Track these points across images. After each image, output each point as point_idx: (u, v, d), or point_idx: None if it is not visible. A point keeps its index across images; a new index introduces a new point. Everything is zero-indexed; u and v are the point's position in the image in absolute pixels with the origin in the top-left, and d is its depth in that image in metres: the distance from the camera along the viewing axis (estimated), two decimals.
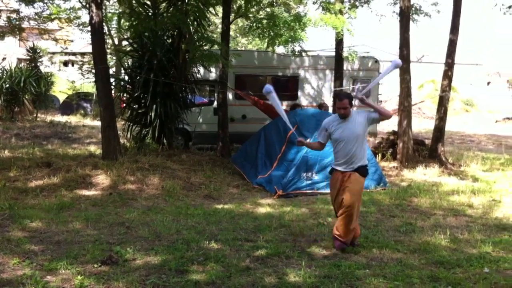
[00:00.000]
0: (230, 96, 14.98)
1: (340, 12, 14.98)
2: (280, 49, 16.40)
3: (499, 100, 43.23)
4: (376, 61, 17.31)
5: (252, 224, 7.48)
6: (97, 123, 16.05)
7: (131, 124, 12.97)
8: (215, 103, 14.60)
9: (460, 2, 13.94)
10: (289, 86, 16.27)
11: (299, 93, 16.21)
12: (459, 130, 25.97)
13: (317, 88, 16.49)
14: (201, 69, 14.02)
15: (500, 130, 26.86)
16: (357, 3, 17.14)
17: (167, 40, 13.13)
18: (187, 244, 6.29)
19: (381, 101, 20.05)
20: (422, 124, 27.79)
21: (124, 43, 21.26)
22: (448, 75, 14.09)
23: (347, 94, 6.53)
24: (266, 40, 14.46)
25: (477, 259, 5.97)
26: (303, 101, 16.14)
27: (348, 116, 6.23)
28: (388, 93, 31.89)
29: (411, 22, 14.68)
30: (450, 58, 14.11)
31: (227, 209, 8.44)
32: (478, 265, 5.75)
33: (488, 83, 43.86)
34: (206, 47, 12.70)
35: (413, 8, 16.25)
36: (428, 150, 14.26)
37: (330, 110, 14.88)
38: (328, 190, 9.79)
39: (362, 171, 6.27)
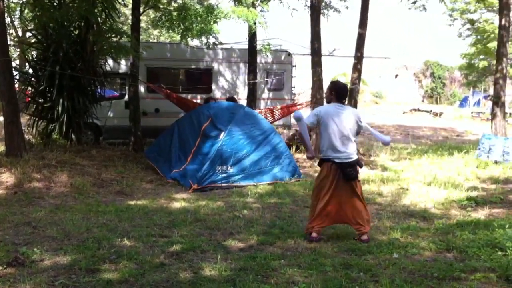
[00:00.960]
0: (142, 89, 14.66)
1: (253, 5, 15.01)
2: (194, 42, 16.25)
3: (406, 92, 45.21)
4: (289, 54, 17.54)
5: (167, 219, 7.32)
6: (0, 118, 15.22)
7: (37, 119, 12.38)
8: (126, 96, 14.23)
9: None
10: (202, 79, 16.17)
11: (213, 86, 16.13)
12: (369, 121, 26.73)
13: (231, 81, 16.48)
14: (111, 62, 13.59)
15: (408, 121, 28.05)
16: None
17: (74, 32, 12.62)
18: (98, 243, 6.05)
19: (294, 93, 20.36)
20: None
21: (28, 34, 20.26)
22: (357, 68, 14.49)
23: (332, 82, 6.82)
24: (178, 33, 14.25)
25: (387, 245, 6.14)
26: (217, 94, 16.08)
27: (328, 102, 6.61)
28: (301, 86, 32.48)
29: (322, 16, 14.99)
30: (359, 52, 14.53)
31: (141, 205, 8.22)
32: (388, 251, 5.91)
33: (396, 76, 45.70)
34: (115, 39, 12.31)
35: (323, 3, 16.57)
36: None
37: (241, 102, 14.90)
38: (243, 183, 9.89)
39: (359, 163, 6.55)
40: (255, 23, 14.40)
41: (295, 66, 17.81)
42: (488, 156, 12.54)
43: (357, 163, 6.41)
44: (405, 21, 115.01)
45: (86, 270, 5.15)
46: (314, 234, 6.31)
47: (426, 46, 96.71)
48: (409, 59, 53.30)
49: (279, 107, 14.83)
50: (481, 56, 36.87)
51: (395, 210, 8.19)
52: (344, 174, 6.23)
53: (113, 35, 12.34)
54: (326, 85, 14.60)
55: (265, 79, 17.13)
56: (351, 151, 6.32)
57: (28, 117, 13.11)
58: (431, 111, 32.95)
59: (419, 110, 34.28)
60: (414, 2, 16.13)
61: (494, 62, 16.83)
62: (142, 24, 25.76)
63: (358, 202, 6.37)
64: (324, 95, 13.28)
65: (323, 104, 13.60)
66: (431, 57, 49.02)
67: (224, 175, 9.87)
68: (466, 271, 5.18)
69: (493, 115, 14.86)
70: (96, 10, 11.84)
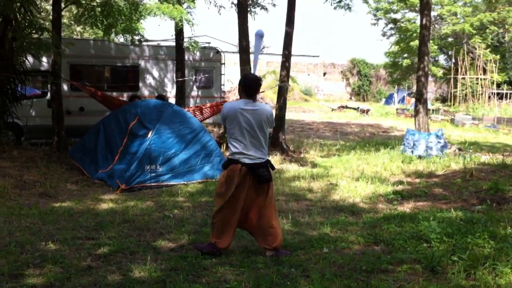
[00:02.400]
0: (65, 87, 14.17)
1: (179, 1, 14.82)
2: (120, 38, 15.87)
3: (334, 90, 46.15)
4: (218, 52, 17.49)
5: (94, 221, 7.10)
6: None
7: None
8: (49, 94, 13.72)
9: None
10: (129, 77, 15.82)
11: (140, 84, 15.83)
12: (299, 118, 27.21)
13: (158, 79, 16.23)
14: (31, 59, 13.04)
15: (336, 118, 28.62)
16: None
17: None
18: (21, 247, 5.80)
19: (224, 91, 20.31)
20: None
21: None
22: (286, 66, 14.60)
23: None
24: (102, 29, 13.86)
25: (317, 240, 6.20)
26: (145, 91, 15.79)
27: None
28: (231, 84, 32.47)
29: (249, 14, 15.02)
30: (287, 50, 14.63)
31: (66, 207, 7.93)
32: (318, 246, 5.97)
33: (324, 74, 46.54)
34: (35, 35, 11.82)
35: (250, 1, 16.61)
36: (270, 139, 14.67)
37: (171, 100, 14.71)
38: (173, 182, 9.74)
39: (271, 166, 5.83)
40: (181, 21, 14.23)
41: (224, 63, 17.77)
42: (412, 151, 12.94)
43: (269, 165, 5.77)
44: (332, 19, 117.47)
45: (9, 275, 4.93)
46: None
47: (352, 44, 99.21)
48: (336, 57, 54.50)
49: (208, 105, 14.71)
50: (405, 55, 38.20)
51: (325, 205, 8.30)
52: (256, 176, 5.57)
53: (33, 31, 11.83)
54: None
55: (194, 76, 16.99)
56: (263, 151, 5.67)
57: None
58: (358, 108, 33.76)
59: (347, 107, 35.05)
60: (339, 1, 16.45)
61: (417, 60, 17.42)
62: (65, 20, 24.94)
63: (270, 213, 5.74)
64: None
65: None
66: (357, 55, 50.02)
67: (153, 174, 9.68)
68: (393, 263, 5.30)
69: (416, 111, 15.35)
70: (14, 5, 11.30)
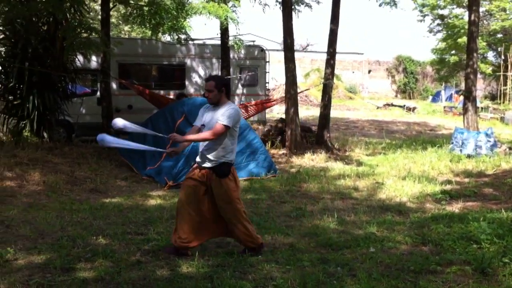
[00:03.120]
0: (114, 85, 14.48)
1: (224, 0, 14.92)
2: (166, 37, 16.09)
3: (379, 87, 45.52)
4: (262, 50, 17.53)
5: (142, 216, 7.25)
6: None
7: (7, 117, 12.14)
8: (98, 93, 14.05)
9: None
10: (175, 75, 16.03)
11: (186, 82, 16.02)
12: (344, 116, 27.00)
13: (204, 77, 16.38)
14: (81, 58, 13.39)
15: (381, 116, 28.27)
16: None
17: (43, 27, 12.38)
18: (73, 241, 5.97)
19: (268, 89, 20.34)
20: (310, 111, 28.57)
21: None
22: (330, 63, 14.54)
23: (216, 77, 5.92)
24: (149, 28, 14.09)
25: (363, 239, 6.17)
26: (191, 90, 15.98)
27: (217, 103, 5.50)
28: (276, 82, 32.50)
29: (294, 12, 14.99)
30: (332, 47, 14.57)
31: (115, 203, 8.12)
32: (364, 245, 5.94)
33: (369, 72, 46.01)
34: (84, 35, 12.12)
35: None
36: (315, 137, 14.64)
37: None
38: None
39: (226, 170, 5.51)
40: (226, 19, 14.31)
41: (269, 61, 17.80)
42: (461, 150, 12.69)
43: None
44: (377, 16, 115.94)
45: (61, 269, 5.06)
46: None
47: (398, 41, 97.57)
48: (381, 54, 53.80)
49: (253, 102, 14.79)
50: (452, 51, 37.35)
51: (371, 204, 8.24)
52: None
53: (82, 31, 12.13)
54: (299, 80, 14.75)
55: (239, 75, 17.08)
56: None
57: None
58: (404, 106, 33.23)
59: (392, 105, 34.53)
60: None
61: (465, 57, 17.02)
62: (113, 20, 25.44)
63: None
64: (291, 92, 13.35)
65: (296, 100, 13.72)
66: (403, 52, 49.21)
67: None
68: (442, 264, 5.23)
69: (465, 109, 15.04)
70: (64, 6, 11.61)
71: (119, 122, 5.45)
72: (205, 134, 5.42)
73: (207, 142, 5.48)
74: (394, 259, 5.41)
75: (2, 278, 4.73)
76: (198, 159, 5.63)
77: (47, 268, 5.09)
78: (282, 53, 14.14)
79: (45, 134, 11.99)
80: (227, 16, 14.09)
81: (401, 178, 10.20)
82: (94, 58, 14.23)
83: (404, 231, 6.58)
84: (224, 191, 5.44)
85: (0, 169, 9.31)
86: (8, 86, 12.04)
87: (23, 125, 11.95)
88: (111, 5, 13.31)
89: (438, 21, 38.87)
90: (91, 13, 20.69)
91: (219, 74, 16.01)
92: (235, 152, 5.65)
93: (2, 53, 12.94)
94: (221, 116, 5.37)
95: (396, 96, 45.83)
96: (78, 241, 5.97)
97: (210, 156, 5.46)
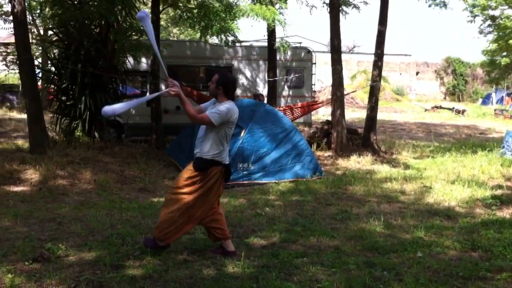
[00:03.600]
0: (163, 87, 14.70)
1: (271, 2, 14.98)
2: (214, 39, 16.27)
3: (427, 89, 44.75)
4: (309, 52, 17.51)
5: None
6: (24, 116, 15.43)
7: (60, 117, 12.51)
8: (148, 94, 14.31)
9: None
10: None
11: None
12: (391, 118, 26.68)
13: (251, 79, 16.49)
14: (132, 60, 13.67)
15: (429, 119, 27.79)
16: None
17: (95, 30, 12.71)
18: (122, 239, 6.11)
19: (314, 91, 20.26)
20: (356, 113, 28.36)
21: (50, 32, 20.45)
22: (378, 65, 14.40)
23: (222, 74, 5.83)
24: (198, 30, 14.27)
25: (411, 244, 6.09)
26: (237, 91, 16.08)
27: (216, 99, 5.64)
28: (322, 84, 32.35)
29: (341, 13, 14.91)
30: (379, 49, 14.44)
31: (163, 202, 8.24)
32: (412, 250, 5.87)
33: (417, 73, 45.27)
34: (135, 37, 12.38)
35: (341, 0, 16.48)
36: (361, 139, 14.53)
37: (266, 100, 14.95)
38: (264, 180, 9.89)
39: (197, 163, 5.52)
40: (273, 21, 14.37)
41: (315, 63, 17.76)
42: None
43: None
44: (426, 17, 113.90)
45: (110, 266, 5.19)
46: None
47: (447, 42, 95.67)
48: (430, 56, 52.82)
49: (299, 104, 14.78)
50: (503, 53, 36.36)
51: (418, 208, 8.11)
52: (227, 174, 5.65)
53: (133, 33, 12.41)
54: (345, 82, 14.66)
55: (285, 76, 17.10)
56: None
57: (51, 115, 13.25)
58: (453, 108, 32.58)
59: (441, 107, 33.92)
60: None
61: None
62: (162, 22, 25.86)
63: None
64: (337, 94, 13.26)
65: (343, 102, 13.63)
66: (452, 54, 48.25)
67: (245, 172, 9.88)
68: (492, 270, 5.13)
69: None
70: (116, 9, 11.90)
71: (107, 109, 5.30)
72: (192, 111, 5.43)
73: (200, 136, 5.57)
74: (442, 264, 5.33)
75: (53, 274, 4.88)
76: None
77: (97, 265, 5.23)
78: (328, 55, 14.11)
79: (96, 134, 12.32)
80: (274, 18, 14.16)
81: (450, 182, 10.00)
82: (143, 60, 14.50)
83: (452, 236, 6.46)
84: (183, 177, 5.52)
85: (53, 168, 9.62)
86: (61, 87, 12.43)
87: (75, 125, 12.31)
88: (161, 8, 13.54)
89: (489, 22, 37.91)
90: None
91: (265, 75, 16.10)
92: (225, 154, 5.58)
93: (56, 55, 13.38)
94: (212, 109, 5.46)
95: (444, 98, 44.96)
96: (127, 239, 6.10)
97: (197, 148, 5.54)
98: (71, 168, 9.77)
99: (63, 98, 12.59)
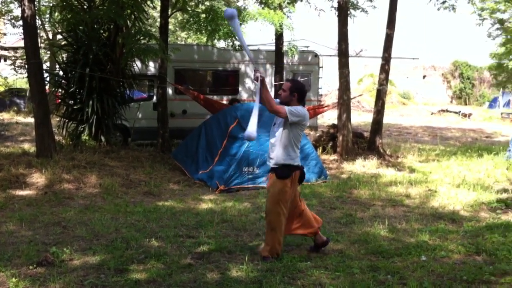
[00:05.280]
0: (170, 91, 14.77)
1: (280, 6, 15.01)
2: (221, 44, 16.32)
3: (434, 93, 44.62)
4: (316, 55, 17.50)
5: (194, 220, 7.38)
6: (31, 120, 15.53)
7: (67, 121, 12.57)
8: (155, 98, 14.37)
9: None
10: (229, 81, 16.22)
11: (240, 88, 16.17)
12: (397, 122, 26.63)
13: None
14: (139, 64, 13.73)
15: (436, 122, 27.72)
16: None
17: (103, 34, 12.78)
18: (127, 243, 6.15)
19: (321, 95, 20.25)
20: (361, 117, 28.34)
21: (59, 37, 20.56)
22: (385, 69, 14.38)
23: (294, 81, 6.19)
24: (205, 35, 14.31)
25: (415, 247, 6.10)
26: (244, 95, 16.12)
27: (289, 103, 5.72)
28: (328, 87, 32.33)
29: (349, 17, 14.90)
30: (387, 52, 14.42)
31: (168, 206, 8.30)
32: (416, 254, 5.88)
33: (424, 77, 45.15)
34: (143, 41, 12.45)
35: (350, 3, 16.48)
36: (367, 143, 14.52)
37: None
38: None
39: (278, 172, 5.66)
40: (281, 26, 14.41)
41: (322, 67, 17.76)
42: None
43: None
44: (433, 20, 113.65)
45: (114, 270, 5.23)
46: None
47: (454, 46, 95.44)
48: (437, 59, 52.68)
49: (305, 108, 14.76)
50: (511, 57, 36.22)
51: (423, 212, 8.11)
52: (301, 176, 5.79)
53: (141, 38, 12.47)
54: (352, 86, 14.68)
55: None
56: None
57: (58, 119, 13.32)
58: (459, 112, 32.49)
59: (447, 111, 33.82)
60: (443, 2, 15.91)
61: None
62: (170, 26, 25.93)
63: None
64: (344, 97, 13.26)
65: (349, 105, 13.63)
66: (459, 57, 48.07)
67: (250, 176, 9.90)
68: (496, 274, 5.13)
69: None
70: (124, 13, 11.96)
71: (250, 134, 5.52)
72: (271, 98, 5.59)
73: (272, 142, 5.71)
74: (446, 268, 5.33)
75: (58, 278, 4.92)
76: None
77: (101, 268, 5.27)
78: (335, 58, 14.09)
79: (102, 138, 12.36)
80: (281, 23, 14.20)
81: (455, 186, 9.98)
82: (151, 64, 14.56)
83: (457, 240, 6.45)
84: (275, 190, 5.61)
85: (59, 171, 9.67)
86: (68, 91, 12.49)
87: (81, 129, 12.35)
88: (169, 12, 13.60)
89: (497, 25, 37.79)
90: (149, 20, 21.21)
91: (272, 79, 16.11)
92: (296, 154, 5.71)
93: (64, 59, 13.45)
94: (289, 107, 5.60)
95: (451, 101, 44.81)
96: (132, 243, 6.14)
97: (271, 155, 5.70)
98: (77, 172, 9.81)
99: (70, 102, 12.65)
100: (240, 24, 13.65)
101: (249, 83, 16.37)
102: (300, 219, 5.92)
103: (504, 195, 9.15)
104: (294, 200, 5.80)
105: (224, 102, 14.86)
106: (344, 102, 13.36)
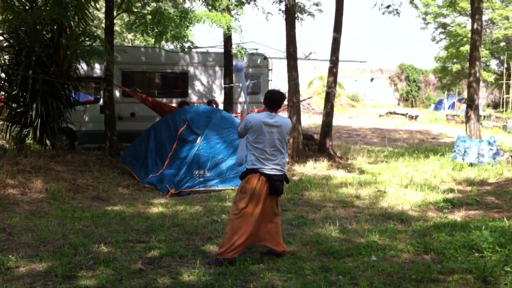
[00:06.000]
0: (117, 93, 14.51)
1: (227, 9, 14.98)
2: (170, 46, 16.16)
3: (382, 95, 45.52)
4: (265, 58, 17.57)
5: (144, 224, 7.25)
6: None
7: (10, 124, 12.14)
8: (101, 100, 14.09)
9: (342, 1, 14.43)
10: (178, 83, 16.07)
11: (189, 90, 16.05)
12: (346, 124, 26.99)
13: (207, 85, 16.42)
14: (85, 66, 13.41)
15: (384, 124, 28.25)
16: (243, 0, 17.15)
17: (46, 35, 12.42)
18: (75, 249, 5.98)
19: None
20: (312, 119, 28.60)
21: (0, 38, 19.86)
22: (333, 71, 14.55)
23: (269, 92, 6.42)
24: (152, 36, 14.14)
25: (365, 248, 6.17)
26: (193, 98, 16.01)
27: None
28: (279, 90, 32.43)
29: (297, 20, 15.02)
30: (334, 56, 14.60)
31: (117, 210, 8.12)
32: (366, 254, 5.95)
33: (372, 80, 46.02)
34: (88, 43, 12.17)
35: (297, 7, 16.61)
36: (317, 145, 14.66)
37: (221, 106, 14.90)
38: (220, 187, 9.85)
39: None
40: (229, 28, 14.38)
41: (272, 69, 17.83)
42: (463, 159, 12.68)
43: (285, 179, 5.98)
44: (380, 24, 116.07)
45: (62, 276, 5.08)
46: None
47: (400, 49, 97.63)
48: (384, 62, 53.75)
49: (255, 110, 14.78)
50: (454, 60, 37.38)
51: (373, 212, 8.23)
52: (272, 187, 5.71)
53: (86, 39, 12.18)
54: (302, 89, 14.79)
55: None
56: (281, 164, 5.86)
57: (1, 122, 12.86)
58: (407, 114, 33.24)
59: (395, 113, 34.56)
60: (388, 7, 16.28)
61: (467, 65, 17.04)
62: (116, 28, 25.54)
63: (279, 220, 6.01)
64: (293, 100, 13.36)
65: (299, 108, 13.73)
66: (405, 61, 49.23)
67: (201, 179, 9.81)
68: (443, 272, 5.23)
69: (467, 118, 15.05)
70: (68, 14, 11.66)
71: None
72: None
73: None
74: (395, 267, 5.40)
75: (3, 286, 4.74)
76: None
77: (48, 275, 5.11)
78: (285, 61, 14.16)
79: (47, 142, 11.99)
80: (229, 25, 14.17)
81: (403, 187, 10.19)
82: (97, 66, 14.27)
83: (406, 239, 6.57)
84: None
85: (3, 176, 9.32)
86: (11, 94, 12.07)
87: (26, 132, 11.96)
88: (115, 13, 13.35)
89: (440, 30, 38.94)
90: (94, 21, 20.78)
91: (222, 82, 16.06)
92: (257, 159, 5.76)
93: (6, 60, 12.99)
94: None
95: (398, 104, 45.84)
96: (80, 249, 5.98)
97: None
98: (21, 177, 9.48)
99: (13, 105, 12.23)
100: (187, 26, 13.58)
101: (198, 85, 16.28)
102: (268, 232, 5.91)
103: (450, 195, 9.40)
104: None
105: (173, 104, 14.71)
106: (293, 104, 13.44)
